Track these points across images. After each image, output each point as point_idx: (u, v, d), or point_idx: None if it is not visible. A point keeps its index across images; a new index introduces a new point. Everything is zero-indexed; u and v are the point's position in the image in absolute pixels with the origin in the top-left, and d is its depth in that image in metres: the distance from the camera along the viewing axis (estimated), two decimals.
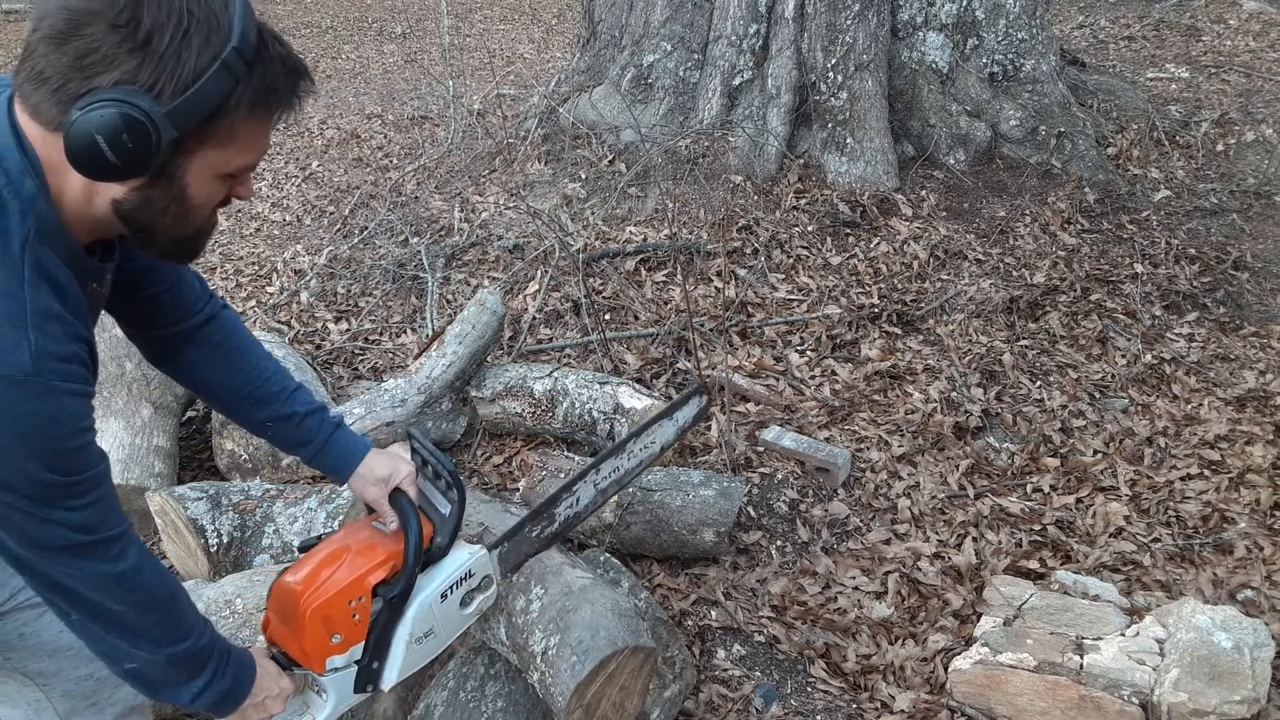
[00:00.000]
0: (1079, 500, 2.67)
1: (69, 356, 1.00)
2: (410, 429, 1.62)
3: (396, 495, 1.49)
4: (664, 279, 3.64)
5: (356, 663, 1.42)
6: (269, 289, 3.92)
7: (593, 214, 4.03)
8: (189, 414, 3.05)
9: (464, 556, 1.53)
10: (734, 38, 4.23)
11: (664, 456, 2.19)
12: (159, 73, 0.94)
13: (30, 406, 0.96)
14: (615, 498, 2.45)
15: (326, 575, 1.38)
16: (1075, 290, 3.54)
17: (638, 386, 2.80)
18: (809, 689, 2.18)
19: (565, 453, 2.80)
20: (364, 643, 1.42)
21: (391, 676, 1.46)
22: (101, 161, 0.95)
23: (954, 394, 3.06)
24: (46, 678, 1.37)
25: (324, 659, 1.38)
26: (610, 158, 4.37)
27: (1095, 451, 2.85)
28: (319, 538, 1.47)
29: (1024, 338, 3.35)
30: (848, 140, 4.09)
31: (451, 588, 1.51)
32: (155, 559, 1.16)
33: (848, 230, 3.88)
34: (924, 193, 4.07)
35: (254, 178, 5.38)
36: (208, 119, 0.99)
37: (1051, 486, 2.72)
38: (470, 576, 1.54)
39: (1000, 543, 2.53)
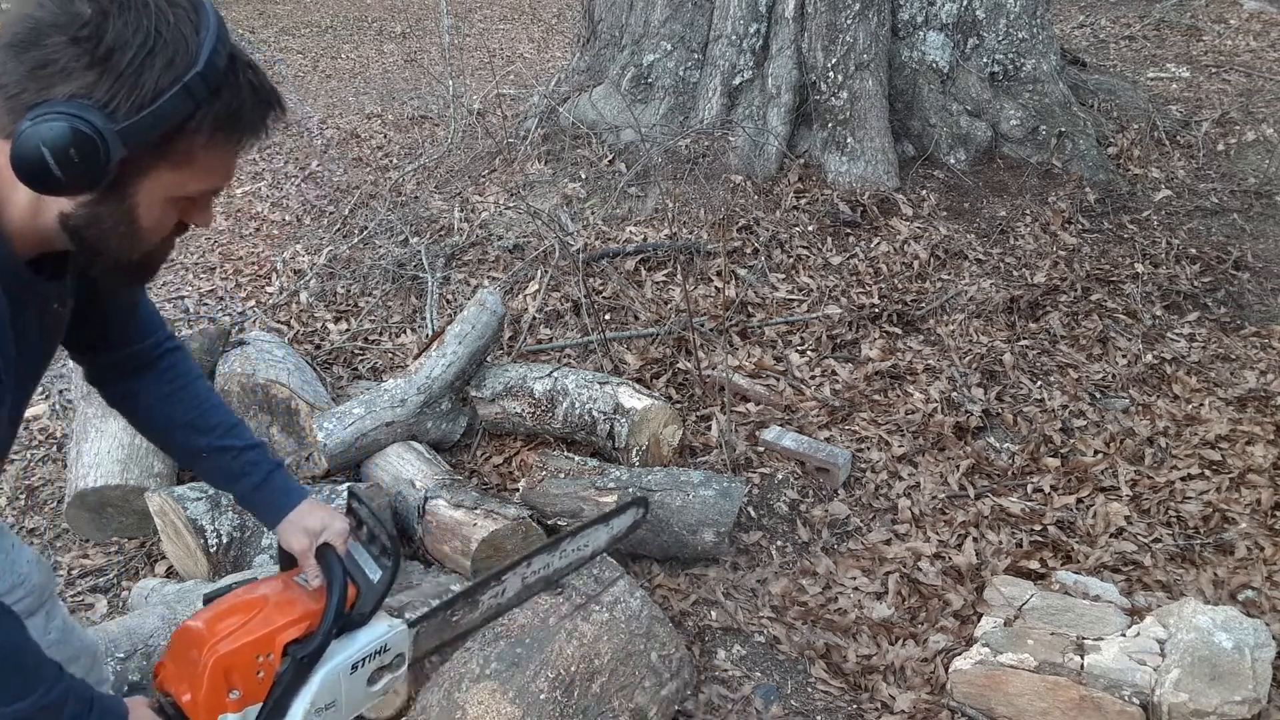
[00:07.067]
0: (1080, 500, 2.66)
1: None
2: (353, 487, 1.53)
3: (324, 550, 1.39)
4: (664, 279, 3.63)
5: None
6: (269, 289, 3.92)
7: (593, 214, 4.03)
8: None
9: (383, 629, 1.42)
10: (734, 37, 4.23)
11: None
12: (116, 90, 0.93)
13: None
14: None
15: (237, 624, 1.28)
16: (1076, 290, 3.54)
17: (638, 386, 2.80)
18: (809, 689, 2.18)
19: (565, 453, 2.79)
20: (262, 704, 1.30)
21: None
22: (46, 175, 0.92)
23: (954, 394, 3.06)
24: None
25: (216, 715, 1.27)
26: (610, 158, 4.37)
27: (1096, 451, 2.84)
28: (228, 587, 1.38)
29: (1024, 338, 3.34)
30: (848, 140, 4.09)
31: (364, 660, 1.39)
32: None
33: (848, 230, 3.87)
34: (924, 192, 4.07)
35: (253, 179, 5.35)
36: (164, 140, 0.97)
37: (1052, 487, 2.72)
38: (385, 651, 1.43)
39: (1001, 543, 2.53)
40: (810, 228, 3.86)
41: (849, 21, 4.05)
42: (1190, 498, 2.65)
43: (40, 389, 2.94)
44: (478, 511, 2.38)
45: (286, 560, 1.46)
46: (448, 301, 3.63)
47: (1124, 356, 3.25)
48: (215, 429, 1.41)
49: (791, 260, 3.71)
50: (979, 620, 2.20)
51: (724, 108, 4.26)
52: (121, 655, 1.96)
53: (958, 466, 2.79)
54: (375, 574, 1.41)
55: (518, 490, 2.67)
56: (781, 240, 3.78)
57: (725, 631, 2.31)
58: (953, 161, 4.20)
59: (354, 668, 1.38)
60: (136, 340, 1.37)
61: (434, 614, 1.58)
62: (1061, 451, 2.86)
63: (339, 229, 4.37)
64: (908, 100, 4.27)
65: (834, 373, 3.19)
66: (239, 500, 1.47)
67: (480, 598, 1.67)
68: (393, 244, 4.06)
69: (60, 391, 3.23)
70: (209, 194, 1.08)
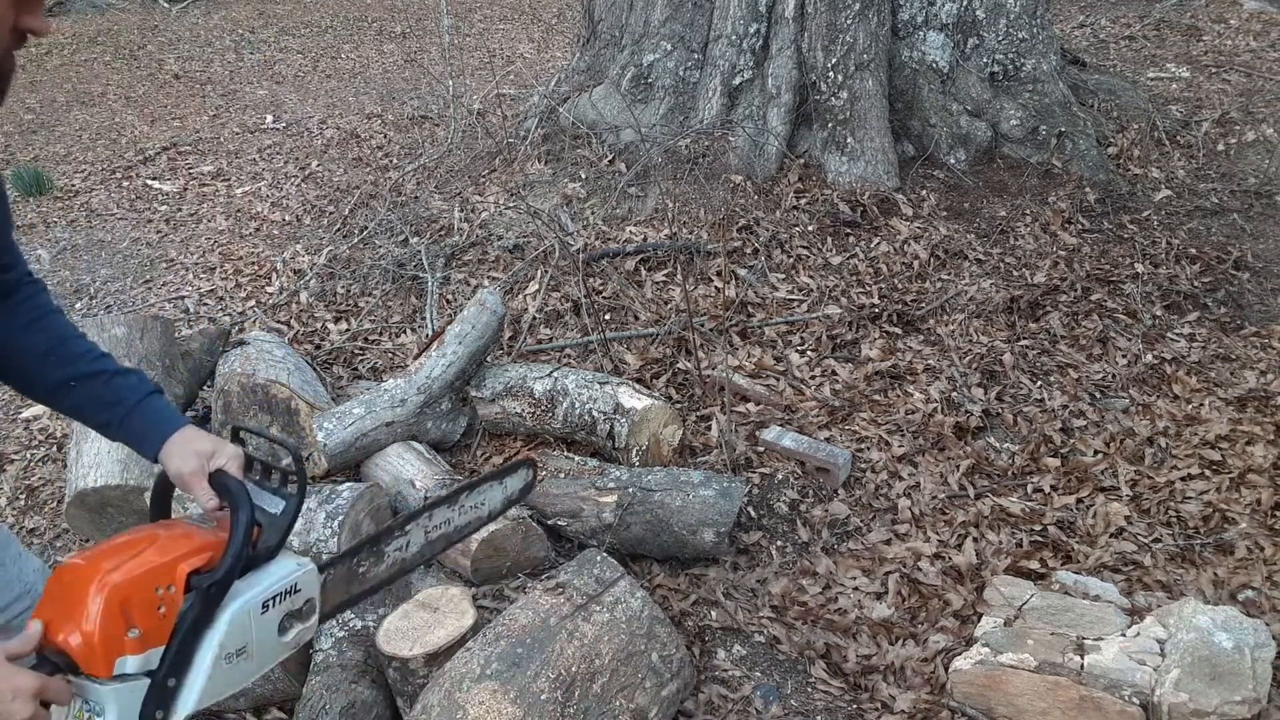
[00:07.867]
0: (1080, 500, 2.66)
1: None
2: (238, 424, 1.42)
3: (219, 475, 1.28)
4: (664, 279, 3.63)
5: (149, 674, 1.15)
6: (269, 289, 3.92)
7: (593, 214, 4.03)
8: (189, 414, 3.05)
9: (292, 566, 1.31)
10: (734, 37, 4.23)
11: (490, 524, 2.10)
12: None
13: None
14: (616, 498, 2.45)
15: (129, 555, 1.13)
16: (1076, 290, 3.54)
17: (638, 386, 2.80)
18: (809, 689, 2.18)
19: (565, 453, 2.79)
20: (165, 646, 1.16)
21: (189, 702, 1.18)
22: None
23: (954, 394, 3.06)
24: None
25: (113, 657, 1.10)
26: (610, 157, 4.37)
27: (1096, 451, 2.84)
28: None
29: (1024, 338, 3.34)
30: (848, 140, 4.09)
31: (275, 599, 1.27)
32: None
33: (848, 230, 3.87)
34: (924, 192, 4.07)
35: (253, 180, 5.34)
36: None
37: (1052, 486, 2.72)
38: (295, 593, 1.30)
39: (1001, 543, 2.53)
40: (810, 228, 3.86)
41: (849, 21, 4.05)
42: (1190, 498, 2.65)
43: None
44: None
45: (159, 504, 1.35)
46: (448, 301, 3.63)
47: (1124, 356, 3.25)
48: (82, 357, 1.32)
49: (791, 260, 3.72)
50: (979, 620, 2.20)
51: (724, 108, 4.26)
52: None
53: (958, 466, 2.79)
54: (276, 507, 1.30)
55: None
56: (781, 240, 3.78)
57: (725, 631, 2.31)
58: (953, 161, 4.20)
59: (264, 607, 1.26)
60: None
61: (341, 560, 1.51)
62: (1061, 451, 2.86)
63: (339, 229, 4.37)
64: (908, 100, 4.27)
65: (834, 373, 3.19)
66: (114, 432, 1.34)
67: (385, 549, 1.63)
68: (393, 244, 4.06)
69: None
70: None
